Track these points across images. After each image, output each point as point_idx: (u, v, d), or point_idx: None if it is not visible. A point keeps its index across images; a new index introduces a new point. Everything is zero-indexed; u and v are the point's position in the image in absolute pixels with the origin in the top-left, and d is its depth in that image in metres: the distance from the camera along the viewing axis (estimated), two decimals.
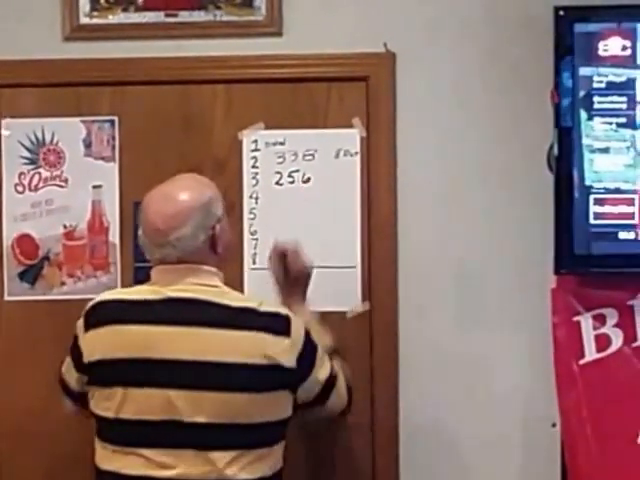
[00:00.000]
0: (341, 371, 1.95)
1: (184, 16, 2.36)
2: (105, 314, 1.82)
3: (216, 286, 1.81)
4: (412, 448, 2.40)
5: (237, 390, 1.74)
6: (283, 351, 1.76)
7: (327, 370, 1.87)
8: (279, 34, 2.37)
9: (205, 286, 1.80)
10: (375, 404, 2.36)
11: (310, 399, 1.85)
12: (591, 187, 2.24)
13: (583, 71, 2.24)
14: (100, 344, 1.80)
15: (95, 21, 2.37)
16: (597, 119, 2.25)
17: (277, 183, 2.35)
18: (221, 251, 1.84)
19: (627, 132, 2.25)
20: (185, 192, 1.82)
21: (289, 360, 1.77)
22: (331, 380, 1.88)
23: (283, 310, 1.85)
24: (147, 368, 1.76)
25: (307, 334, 1.84)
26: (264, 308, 1.81)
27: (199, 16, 2.35)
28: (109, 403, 1.78)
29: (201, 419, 1.73)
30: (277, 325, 1.78)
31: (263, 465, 1.78)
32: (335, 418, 2.03)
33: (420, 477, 2.41)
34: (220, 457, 1.73)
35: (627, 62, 2.24)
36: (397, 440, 2.39)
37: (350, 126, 2.34)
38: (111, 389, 1.77)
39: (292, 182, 2.36)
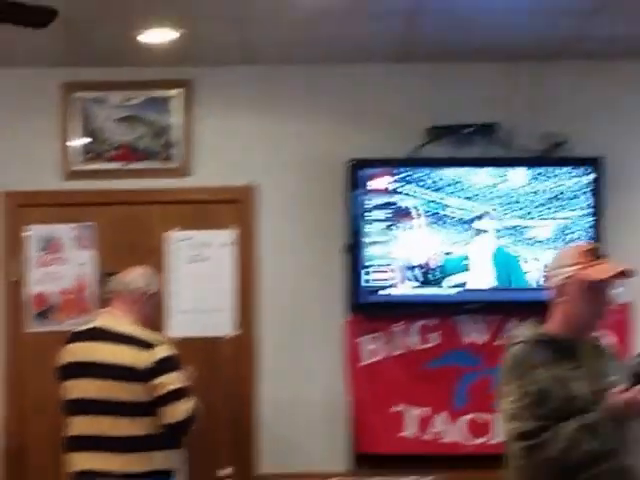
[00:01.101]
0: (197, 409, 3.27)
1: (135, 165, 4.01)
2: (67, 339, 3.39)
3: (124, 323, 3.29)
4: (267, 422, 3.98)
5: (114, 379, 3.21)
6: (139, 359, 3.20)
7: (174, 387, 3.20)
8: (189, 175, 4.02)
9: (115, 322, 3.31)
10: (242, 393, 3.97)
11: (155, 396, 3.19)
12: (368, 265, 3.84)
13: (363, 196, 3.86)
14: (61, 357, 3.36)
15: (83, 168, 4.02)
16: (373, 224, 3.86)
17: (187, 262, 3.96)
18: (148, 310, 3.38)
19: (389, 232, 3.86)
20: (142, 271, 3.42)
21: (143, 364, 3.19)
22: (175, 395, 3.20)
23: (159, 344, 3.23)
24: (78, 367, 3.30)
25: (172, 359, 3.24)
26: (144, 337, 3.24)
27: (143, 165, 4.00)
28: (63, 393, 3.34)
29: (97, 396, 3.21)
30: (144, 345, 3.23)
31: (135, 427, 3.21)
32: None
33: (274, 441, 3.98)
34: (106, 420, 3.22)
35: (387, 191, 3.89)
36: (256, 415, 3.96)
37: (230, 228, 3.92)
38: (65, 382, 3.34)
39: (197, 261, 3.97)
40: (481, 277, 3.87)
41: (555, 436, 2.59)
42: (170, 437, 3.29)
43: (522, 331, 2.85)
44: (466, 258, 3.85)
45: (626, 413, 2.59)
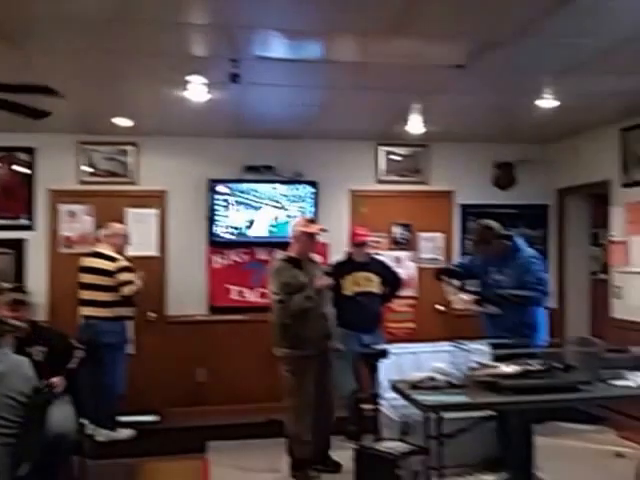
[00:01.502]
0: None
1: (112, 179, 8.77)
2: (82, 255, 8.07)
3: (107, 250, 8.09)
4: (171, 292, 8.92)
5: (100, 274, 7.69)
6: (112, 266, 7.89)
7: (129, 279, 8.32)
8: (137, 184, 8.81)
9: (103, 249, 7.93)
10: (161, 280, 8.89)
11: (119, 282, 8.06)
12: (216, 225, 8.82)
13: (214, 195, 8.89)
14: (79, 263, 8.05)
15: (88, 179, 8.80)
16: (218, 208, 8.87)
17: (136, 222, 8.81)
18: (119, 243, 8.15)
19: (225, 211, 8.88)
20: (117, 225, 8.17)
21: (113, 269, 8.12)
22: (129, 283, 8.34)
23: (122, 260, 8.28)
24: (86, 269, 7.79)
25: (128, 267, 8.24)
26: (116, 256, 8.00)
27: (115, 179, 8.73)
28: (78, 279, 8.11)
29: (92, 282, 7.86)
30: (115, 260, 8.13)
31: (109, 296, 7.63)
32: None
33: None
34: (96, 292, 7.64)
35: (225, 193, 8.95)
36: (166, 288, 8.88)
37: (156, 208, 8.82)
38: (80, 274, 7.97)
39: (141, 223, 8.82)
40: (263, 231, 8.90)
41: (294, 300, 5.85)
42: (126, 301, 7.80)
43: (279, 254, 6.36)
44: (255, 222, 8.87)
45: (319, 290, 6.00)
